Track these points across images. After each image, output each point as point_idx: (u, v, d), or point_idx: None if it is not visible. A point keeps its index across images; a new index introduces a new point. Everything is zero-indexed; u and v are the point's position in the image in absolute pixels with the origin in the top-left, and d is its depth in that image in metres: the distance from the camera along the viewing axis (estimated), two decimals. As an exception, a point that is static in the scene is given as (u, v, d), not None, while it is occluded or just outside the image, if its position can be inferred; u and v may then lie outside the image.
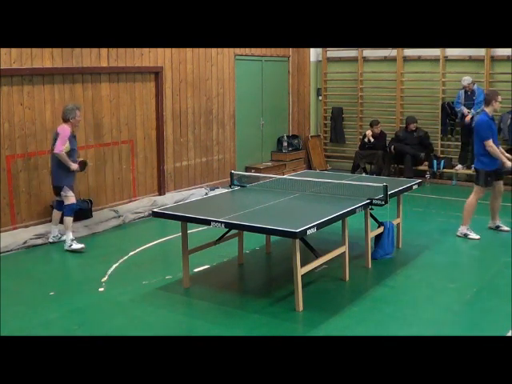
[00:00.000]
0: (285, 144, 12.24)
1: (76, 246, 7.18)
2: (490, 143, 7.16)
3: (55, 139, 7.15)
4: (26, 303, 5.64)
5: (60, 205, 7.39)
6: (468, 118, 10.47)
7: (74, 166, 7.22)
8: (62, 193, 7.26)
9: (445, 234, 7.77)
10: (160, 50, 9.45)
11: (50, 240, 7.52)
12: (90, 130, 8.54)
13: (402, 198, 7.25)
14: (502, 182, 7.67)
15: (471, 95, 10.54)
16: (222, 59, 10.71)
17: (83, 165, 7.47)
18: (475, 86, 10.54)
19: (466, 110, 10.58)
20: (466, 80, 10.47)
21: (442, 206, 7.82)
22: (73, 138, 7.26)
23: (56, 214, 7.48)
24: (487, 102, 7.35)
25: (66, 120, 7.18)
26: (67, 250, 7.16)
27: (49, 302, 5.69)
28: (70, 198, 7.26)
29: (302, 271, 5.34)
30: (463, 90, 10.62)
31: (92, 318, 5.33)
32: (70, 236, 7.20)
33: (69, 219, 7.24)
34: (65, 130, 7.11)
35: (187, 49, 9.89)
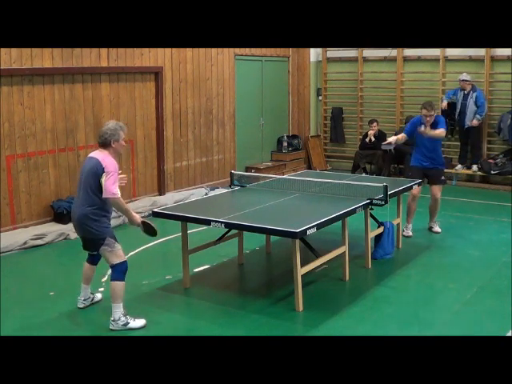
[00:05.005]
0: (285, 144, 12.23)
1: (134, 323, 5.02)
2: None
3: (95, 173, 4.84)
4: (25, 303, 5.64)
5: (95, 259, 5.36)
6: (444, 105, 10.69)
7: (138, 218, 5.13)
8: (103, 248, 4.97)
9: (445, 234, 7.77)
10: (160, 50, 9.45)
11: (80, 305, 5.45)
12: (90, 129, 8.54)
13: (402, 198, 7.26)
14: (436, 187, 7.61)
15: (466, 95, 10.43)
16: (222, 59, 10.70)
17: (150, 230, 5.19)
18: (475, 89, 10.42)
19: (444, 103, 10.72)
20: (462, 76, 10.42)
21: (442, 206, 7.83)
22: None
23: (89, 268, 5.40)
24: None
25: (106, 144, 4.92)
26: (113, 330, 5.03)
27: (49, 301, 5.69)
28: (119, 253, 5.01)
29: (302, 271, 5.34)
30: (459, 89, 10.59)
31: (92, 318, 5.33)
32: (120, 309, 5.03)
33: (120, 285, 4.99)
34: (112, 161, 4.89)
35: (187, 49, 9.89)
